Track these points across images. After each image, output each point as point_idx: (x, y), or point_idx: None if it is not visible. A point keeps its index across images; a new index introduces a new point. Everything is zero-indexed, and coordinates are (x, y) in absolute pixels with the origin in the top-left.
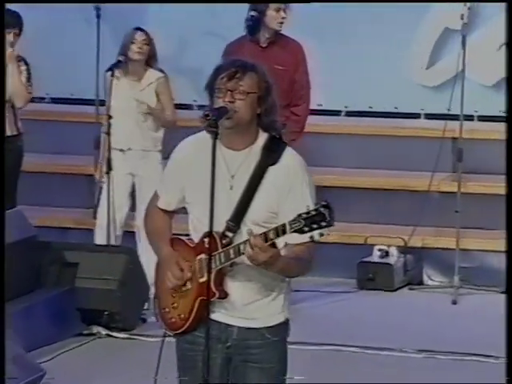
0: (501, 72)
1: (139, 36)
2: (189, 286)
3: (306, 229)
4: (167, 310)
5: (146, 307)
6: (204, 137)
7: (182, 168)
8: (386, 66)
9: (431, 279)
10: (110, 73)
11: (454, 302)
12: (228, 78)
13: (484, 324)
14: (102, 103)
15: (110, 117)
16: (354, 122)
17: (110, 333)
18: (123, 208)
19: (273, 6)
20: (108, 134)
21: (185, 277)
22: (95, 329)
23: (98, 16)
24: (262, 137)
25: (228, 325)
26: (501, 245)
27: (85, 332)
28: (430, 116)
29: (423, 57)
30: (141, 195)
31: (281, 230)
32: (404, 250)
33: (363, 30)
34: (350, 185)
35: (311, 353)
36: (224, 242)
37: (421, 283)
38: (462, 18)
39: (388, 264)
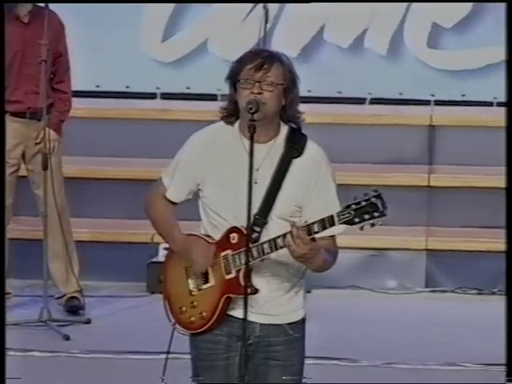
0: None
1: None
2: (212, 283)
3: (357, 220)
4: (184, 309)
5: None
6: (221, 128)
7: (197, 161)
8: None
9: None
10: None
11: None
12: (255, 68)
13: None
14: None
15: None
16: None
17: None
18: None
19: None
20: None
21: (212, 259)
22: None
23: None
24: (284, 129)
25: (250, 322)
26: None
27: None
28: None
29: (159, 27)
30: None
31: (328, 223)
32: None
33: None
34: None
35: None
36: (253, 236)
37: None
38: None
39: None
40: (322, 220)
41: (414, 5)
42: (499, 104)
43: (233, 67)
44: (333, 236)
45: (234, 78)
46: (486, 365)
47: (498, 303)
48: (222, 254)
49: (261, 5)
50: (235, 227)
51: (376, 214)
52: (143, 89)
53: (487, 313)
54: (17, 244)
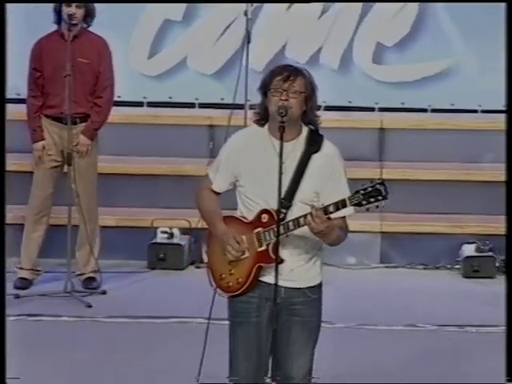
0: (220, 62)
1: None
2: (246, 255)
3: (364, 202)
4: (224, 276)
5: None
6: (253, 130)
7: (236, 157)
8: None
9: None
10: None
11: None
12: (283, 80)
13: None
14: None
15: None
16: None
17: None
18: None
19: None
20: None
21: (242, 248)
22: None
23: None
24: (305, 130)
25: (277, 286)
26: None
27: None
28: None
29: (145, 47)
30: None
31: (341, 205)
32: (185, 231)
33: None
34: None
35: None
36: (280, 217)
37: (201, 261)
38: (245, 15)
39: (178, 244)
40: (336, 203)
41: (361, 27)
42: (433, 110)
43: (264, 79)
44: (344, 217)
45: (265, 88)
46: (440, 326)
47: (441, 276)
48: (255, 231)
49: (233, 25)
50: (266, 209)
51: (380, 198)
52: (132, 98)
53: (432, 284)
54: (53, 231)
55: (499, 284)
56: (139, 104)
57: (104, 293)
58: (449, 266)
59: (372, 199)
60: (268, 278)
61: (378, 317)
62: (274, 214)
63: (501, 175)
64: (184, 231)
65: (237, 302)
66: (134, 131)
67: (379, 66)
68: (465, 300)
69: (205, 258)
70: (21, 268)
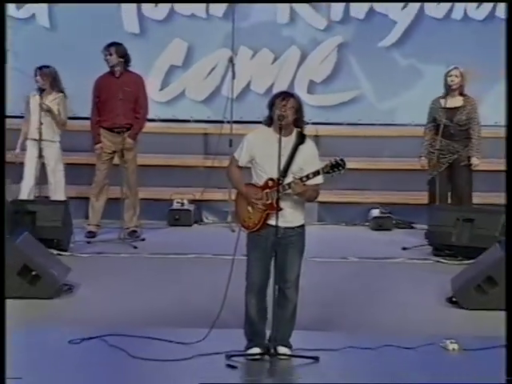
0: (207, 92)
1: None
2: (260, 206)
3: (331, 171)
4: (245, 220)
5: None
6: (264, 129)
7: (252, 145)
8: None
9: (207, 218)
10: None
11: (233, 231)
12: (281, 99)
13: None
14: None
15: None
16: None
17: (60, 252)
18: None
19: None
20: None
21: (262, 199)
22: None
23: None
24: (295, 130)
25: (278, 226)
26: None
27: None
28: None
29: (158, 83)
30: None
31: (316, 173)
32: (192, 201)
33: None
34: None
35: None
36: (280, 182)
37: (202, 221)
38: (230, 61)
39: (188, 210)
40: (313, 173)
41: (300, 69)
42: (347, 124)
43: (270, 100)
44: (318, 184)
45: (271, 105)
46: (360, 258)
47: (357, 229)
48: (264, 191)
49: (217, 68)
50: (271, 178)
51: (341, 168)
52: (150, 116)
53: (352, 234)
54: (109, 201)
55: (394, 234)
56: (154, 120)
57: (143, 240)
58: (362, 223)
59: (336, 169)
60: (272, 221)
61: (320, 253)
62: (276, 181)
63: (395, 165)
64: (191, 201)
65: (253, 235)
66: (153, 138)
67: (311, 95)
68: (373, 244)
69: (205, 219)
70: (89, 224)
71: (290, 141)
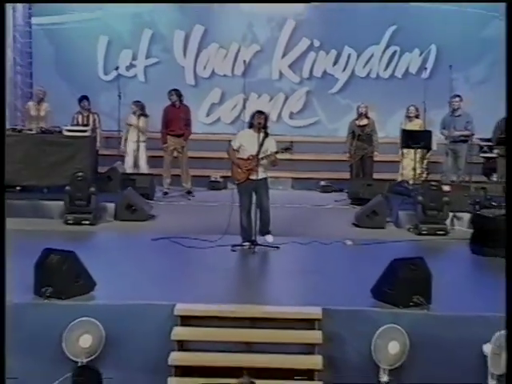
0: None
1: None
2: (245, 170)
3: (284, 151)
4: (237, 176)
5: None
6: (247, 130)
7: (241, 138)
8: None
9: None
10: None
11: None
12: (258, 115)
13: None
14: None
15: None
16: None
17: (148, 201)
18: None
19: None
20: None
21: (246, 166)
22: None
23: None
24: (263, 130)
25: (257, 179)
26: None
27: None
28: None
29: (205, 112)
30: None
31: (279, 150)
32: (221, 177)
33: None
34: None
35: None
36: (258, 157)
37: (227, 187)
38: (244, 101)
39: (219, 181)
40: (276, 151)
41: (285, 105)
42: (310, 136)
43: (252, 114)
44: (276, 157)
45: (252, 117)
46: (313, 206)
47: (312, 192)
48: (248, 161)
49: (239, 104)
50: (252, 154)
51: (289, 149)
52: (198, 131)
53: (309, 195)
54: (173, 177)
55: (332, 194)
56: (202, 133)
57: (194, 196)
58: (315, 189)
59: (288, 149)
60: (254, 176)
61: (291, 202)
62: (254, 156)
63: (334, 156)
64: (221, 177)
65: (241, 185)
66: (199, 142)
67: (291, 120)
68: (320, 199)
69: (228, 186)
70: (162, 185)
71: (260, 136)
